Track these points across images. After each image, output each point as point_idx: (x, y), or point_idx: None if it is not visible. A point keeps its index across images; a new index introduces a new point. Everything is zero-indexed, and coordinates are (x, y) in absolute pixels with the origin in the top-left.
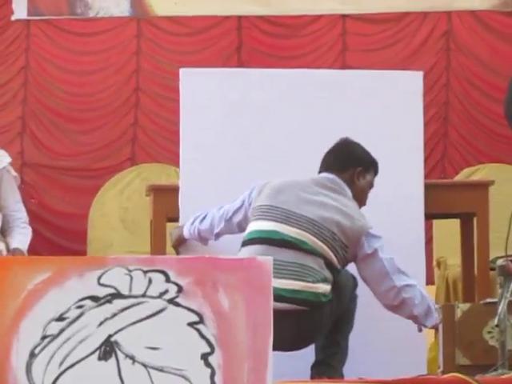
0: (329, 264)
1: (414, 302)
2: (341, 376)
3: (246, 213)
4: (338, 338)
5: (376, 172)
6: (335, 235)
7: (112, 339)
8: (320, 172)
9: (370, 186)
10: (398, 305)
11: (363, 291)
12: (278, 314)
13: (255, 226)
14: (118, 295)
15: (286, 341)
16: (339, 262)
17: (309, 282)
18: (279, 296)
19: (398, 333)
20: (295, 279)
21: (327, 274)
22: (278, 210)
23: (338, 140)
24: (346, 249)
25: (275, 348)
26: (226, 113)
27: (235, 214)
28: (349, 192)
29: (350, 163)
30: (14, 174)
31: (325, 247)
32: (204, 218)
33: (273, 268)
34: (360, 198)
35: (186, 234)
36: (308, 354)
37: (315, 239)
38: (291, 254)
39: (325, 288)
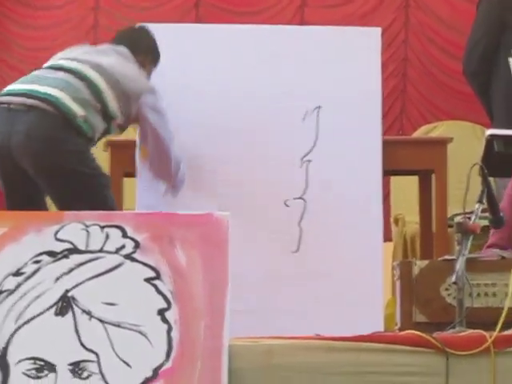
0: (101, 100)
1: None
2: None
3: None
4: None
5: (156, 65)
6: (121, 84)
7: (69, 294)
8: (118, 43)
9: (150, 73)
10: None
11: (319, 248)
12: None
13: (53, 61)
14: (74, 250)
15: (19, 135)
16: (120, 107)
17: (65, 93)
18: (29, 94)
19: (355, 289)
20: (55, 87)
21: (89, 99)
22: (66, 57)
23: (135, 26)
24: (130, 99)
25: None
26: (183, 68)
27: None
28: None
29: (145, 50)
30: None
31: (105, 85)
32: None
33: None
34: None
35: None
36: (264, 314)
37: (100, 78)
38: (72, 78)
39: (80, 111)
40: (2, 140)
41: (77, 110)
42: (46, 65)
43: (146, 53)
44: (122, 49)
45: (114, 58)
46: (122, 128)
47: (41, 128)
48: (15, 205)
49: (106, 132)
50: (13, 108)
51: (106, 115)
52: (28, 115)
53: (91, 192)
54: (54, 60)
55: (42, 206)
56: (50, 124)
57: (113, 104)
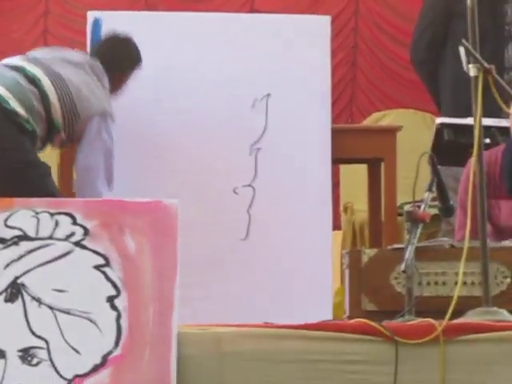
0: (48, 110)
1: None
2: None
3: None
4: None
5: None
6: (73, 100)
7: (18, 281)
8: (94, 54)
9: (128, 79)
10: None
11: (268, 236)
12: None
13: (13, 60)
14: (24, 237)
15: None
16: (64, 121)
17: (10, 92)
18: None
19: (304, 277)
20: (3, 86)
21: (37, 109)
22: (32, 58)
23: (112, 34)
24: (78, 117)
25: None
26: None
27: None
28: (106, 79)
29: (124, 67)
30: None
31: (55, 97)
32: None
33: None
34: (113, 89)
35: None
36: (213, 301)
37: (52, 88)
38: (24, 80)
39: (23, 113)
40: None
41: (19, 110)
42: (7, 61)
43: (125, 69)
44: (95, 64)
45: (77, 74)
46: (62, 145)
47: None
48: None
49: (48, 141)
50: None
51: (50, 126)
52: None
53: (30, 184)
54: (23, 58)
55: None
56: None
57: (58, 118)
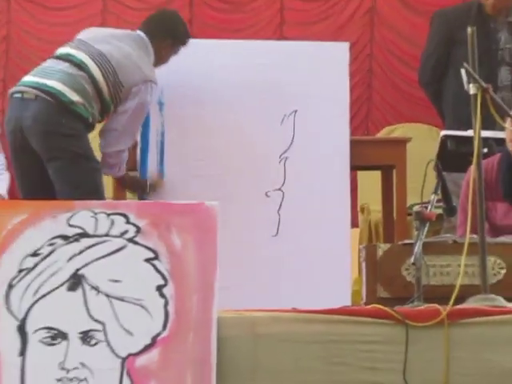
0: (98, 89)
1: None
2: None
3: None
4: None
5: (186, 44)
6: (115, 71)
7: (79, 273)
8: (140, 28)
9: (175, 53)
10: None
11: (295, 233)
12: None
13: (60, 49)
14: (84, 234)
15: (28, 119)
16: (110, 95)
17: (66, 85)
18: (36, 87)
19: (327, 269)
20: (57, 80)
21: (90, 91)
22: (78, 42)
23: (164, 10)
24: (122, 88)
25: None
26: (183, 77)
27: None
28: (151, 52)
29: (162, 34)
30: None
31: (101, 76)
32: None
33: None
34: (158, 60)
35: None
36: (249, 289)
37: (96, 68)
38: (72, 68)
39: (77, 98)
40: (16, 123)
41: (75, 98)
42: (59, 51)
43: (164, 37)
44: (137, 35)
45: (118, 47)
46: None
47: (44, 114)
48: (25, 187)
49: (103, 117)
50: (25, 97)
51: (103, 104)
52: (35, 103)
53: (82, 173)
54: (69, 45)
55: (48, 191)
56: (51, 110)
57: (106, 94)
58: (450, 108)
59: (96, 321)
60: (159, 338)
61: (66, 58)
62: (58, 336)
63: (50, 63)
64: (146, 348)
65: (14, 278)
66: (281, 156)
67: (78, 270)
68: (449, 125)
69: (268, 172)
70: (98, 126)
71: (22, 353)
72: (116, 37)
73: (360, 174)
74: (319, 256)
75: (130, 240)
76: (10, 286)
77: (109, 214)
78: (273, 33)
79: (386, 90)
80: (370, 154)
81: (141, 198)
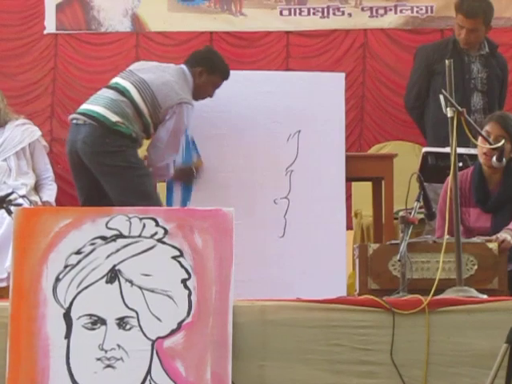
0: (138, 111)
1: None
2: None
3: None
4: None
5: (223, 77)
6: (154, 95)
7: (116, 268)
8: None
9: (214, 85)
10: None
11: (299, 235)
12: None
13: (112, 79)
14: (120, 236)
15: (80, 142)
16: (150, 115)
17: (108, 109)
18: (84, 113)
19: (326, 265)
20: (102, 106)
21: (131, 113)
22: (127, 72)
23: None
24: (160, 109)
25: None
26: (203, 101)
27: None
28: (189, 80)
29: (200, 62)
30: (44, 143)
31: (141, 99)
32: None
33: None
34: (198, 91)
35: None
36: (259, 283)
37: (137, 94)
38: (116, 95)
39: (118, 119)
40: (72, 146)
41: (115, 118)
42: (111, 81)
43: (197, 66)
44: (178, 67)
45: (159, 76)
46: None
47: (91, 136)
48: (84, 197)
49: (146, 135)
50: (78, 123)
51: (144, 124)
52: (84, 128)
53: (130, 182)
54: (120, 76)
55: (104, 199)
56: (97, 133)
57: (146, 115)
58: (430, 128)
59: (130, 309)
60: (184, 323)
61: (113, 87)
62: (97, 322)
63: (101, 91)
64: (173, 332)
65: (60, 273)
66: (287, 169)
67: (114, 265)
68: (430, 143)
69: (276, 183)
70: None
71: (67, 336)
72: (160, 68)
73: (354, 184)
74: (319, 254)
75: (159, 240)
76: (57, 280)
77: (141, 218)
78: (280, 65)
79: (376, 113)
80: (363, 167)
81: (190, 184)
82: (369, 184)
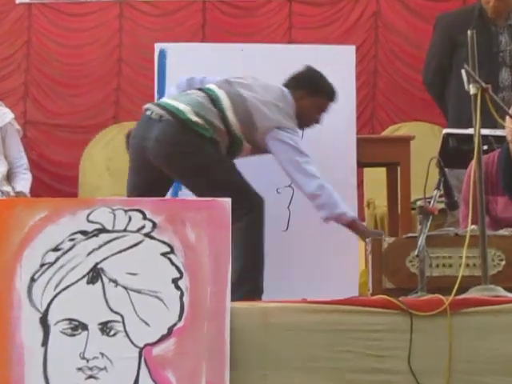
0: (227, 125)
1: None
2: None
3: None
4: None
5: (328, 98)
6: (251, 115)
7: (98, 266)
8: (283, 83)
9: (319, 108)
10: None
11: (304, 228)
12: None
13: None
14: (103, 230)
15: (152, 141)
16: (244, 132)
17: (191, 107)
18: (163, 106)
19: (335, 261)
20: (185, 103)
21: (217, 123)
22: (225, 81)
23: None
24: (256, 130)
25: None
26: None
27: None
28: (291, 103)
29: (300, 84)
30: (17, 127)
31: (232, 114)
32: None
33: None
34: (302, 116)
35: None
36: (265, 281)
37: (230, 106)
38: (206, 100)
39: (201, 124)
40: (139, 142)
41: (195, 119)
42: (206, 86)
43: (298, 87)
44: (279, 88)
45: (259, 95)
46: (253, 153)
47: (166, 135)
48: (135, 195)
49: (236, 150)
50: (152, 117)
51: (233, 138)
52: (159, 124)
53: (214, 180)
54: (218, 82)
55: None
56: (173, 131)
57: (238, 131)
58: (452, 107)
59: (115, 312)
60: (175, 328)
61: (205, 91)
62: (78, 327)
63: (191, 91)
64: (163, 338)
65: (36, 272)
66: None
67: (97, 263)
68: (451, 123)
69: (279, 169)
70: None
71: (44, 343)
72: (261, 86)
73: (366, 170)
74: (328, 249)
75: (147, 235)
76: (33, 280)
77: (126, 211)
78: (281, 37)
79: (390, 91)
80: (376, 151)
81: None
82: (383, 170)
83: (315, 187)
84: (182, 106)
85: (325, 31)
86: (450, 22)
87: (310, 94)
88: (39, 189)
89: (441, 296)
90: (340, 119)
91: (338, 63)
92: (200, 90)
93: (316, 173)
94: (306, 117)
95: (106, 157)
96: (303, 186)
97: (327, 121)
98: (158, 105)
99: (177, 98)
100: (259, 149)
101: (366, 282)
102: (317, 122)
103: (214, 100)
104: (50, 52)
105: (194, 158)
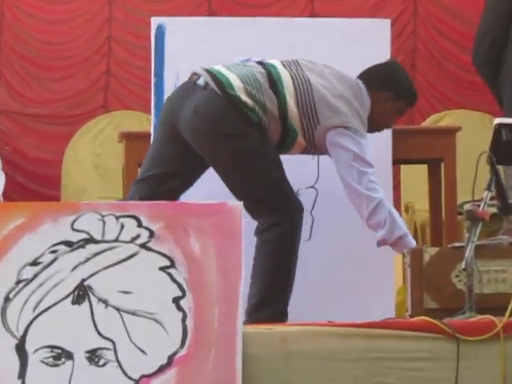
0: (283, 111)
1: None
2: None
3: None
4: (252, 290)
5: (411, 104)
6: (314, 106)
7: (85, 283)
8: (359, 77)
9: (398, 114)
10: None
11: (330, 236)
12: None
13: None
14: (91, 240)
15: (188, 109)
16: (302, 125)
17: (243, 83)
18: (212, 73)
19: (367, 276)
20: (239, 77)
21: (270, 107)
22: (292, 62)
23: (387, 59)
24: (317, 125)
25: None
26: (197, 61)
27: None
28: (366, 103)
29: (385, 85)
30: None
31: (293, 102)
32: None
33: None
34: (377, 120)
35: None
36: None
37: (293, 92)
38: (265, 79)
39: (251, 106)
40: (172, 109)
41: (245, 99)
42: (267, 59)
43: (383, 88)
44: (354, 82)
45: (331, 85)
46: (305, 151)
47: (208, 108)
48: (160, 162)
49: (287, 143)
50: (196, 82)
51: (286, 127)
52: (202, 93)
53: (252, 171)
54: (281, 61)
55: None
56: (217, 105)
57: (295, 122)
58: (508, 92)
59: (105, 338)
60: (176, 356)
61: (267, 68)
62: (61, 356)
63: (250, 62)
64: (162, 368)
65: (11, 291)
66: None
67: (83, 280)
68: (507, 111)
69: (299, 168)
70: None
71: (22, 375)
72: (334, 75)
73: (403, 168)
74: (358, 262)
75: (143, 246)
76: (7, 300)
77: (118, 217)
78: (302, 9)
79: (433, 73)
80: (415, 145)
81: None
82: (423, 168)
83: (373, 206)
84: (234, 80)
85: (353, 2)
86: None
87: (397, 97)
88: (13, 191)
89: (493, 317)
90: None
91: (369, 40)
92: (261, 64)
93: (377, 188)
94: (382, 122)
95: (94, 153)
96: (359, 204)
97: None
98: (208, 71)
99: (232, 68)
100: (315, 148)
101: (403, 301)
102: (389, 127)
103: (276, 81)
104: (26, 28)
105: (236, 141)
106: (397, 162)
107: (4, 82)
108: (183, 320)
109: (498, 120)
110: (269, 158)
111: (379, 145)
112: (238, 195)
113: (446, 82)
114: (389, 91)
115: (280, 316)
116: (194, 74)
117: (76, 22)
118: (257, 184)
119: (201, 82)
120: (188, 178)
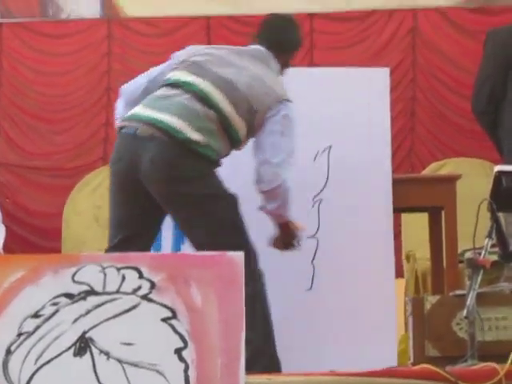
0: (226, 125)
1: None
2: None
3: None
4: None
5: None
6: (248, 102)
7: (87, 336)
8: (256, 41)
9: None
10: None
11: (332, 285)
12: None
13: (174, 74)
14: (92, 292)
15: (146, 162)
16: (247, 128)
17: (184, 121)
18: (151, 123)
19: (369, 325)
20: (174, 115)
21: (215, 128)
22: (193, 66)
23: (281, 15)
24: (255, 114)
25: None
26: None
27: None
28: (275, 67)
29: (289, 47)
30: None
31: (232, 110)
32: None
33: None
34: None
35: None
36: (279, 351)
37: (225, 101)
38: (194, 102)
39: (201, 139)
40: (129, 165)
41: (197, 138)
42: (173, 77)
43: (292, 51)
44: (259, 52)
45: (243, 70)
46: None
47: (163, 157)
48: (122, 230)
49: (234, 146)
50: (138, 135)
51: (233, 140)
52: (151, 144)
53: (213, 215)
54: (185, 69)
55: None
56: (170, 153)
57: (239, 128)
58: (507, 140)
59: None
60: None
61: (186, 89)
62: None
63: (164, 92)
64: None
65: (12, 344)
66: (314, 198)
67: (85, 332)
68: (506, 159)
69: (299, 217)
70: None
71: None
72: (235, 55)
73: (404, 216)
74: (360, 311)
75: (144, 297)
76: (9, 353)
77: (119, 269)
78: (301, 59)
79: (432, 121)
80: (416, 193)
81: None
82: (424, 216)
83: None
84: (174, 122)
85: (352, 51)
86: (504, 39)
87: (292, 54)
88: (14, 244)
89: (495, 365)
90: (372, 156)
91: (369, 89)
92: (175, 86)
93: (287, 168)
94: (282, 71)
95: (94, 205)
96: (268, 178)
97: (357, 157)
98: (140, 120)
99: (156, 105)
100: (253, 135)
101: (406, 350)
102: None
103: (203, 98)
104: (25, 81)
105: (196, 185)
106: (397, 210)
107: (3, 134)
108: (185, 371)
109: (498, 167)
110: (228, 200)
111: (379, 193)
112: (199, 243)
113: (445, 130)
114: (295, 51)
115: (275, 366)
116: (128, 126)
117: (75, 74)
118: (222, 227)
119: (143, 133)
120: (156, 231)
